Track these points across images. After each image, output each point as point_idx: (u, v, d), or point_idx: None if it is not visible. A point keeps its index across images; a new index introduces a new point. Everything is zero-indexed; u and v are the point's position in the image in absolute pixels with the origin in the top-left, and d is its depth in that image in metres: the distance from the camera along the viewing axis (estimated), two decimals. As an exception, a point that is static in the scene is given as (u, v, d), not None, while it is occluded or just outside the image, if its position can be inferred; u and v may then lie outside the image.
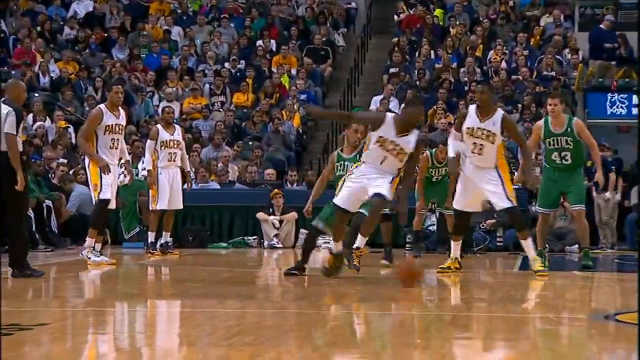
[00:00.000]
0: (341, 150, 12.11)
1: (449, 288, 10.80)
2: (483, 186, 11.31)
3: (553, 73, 21.60)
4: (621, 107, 20.84)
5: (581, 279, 12.10)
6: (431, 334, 7.18)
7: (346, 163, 11.77)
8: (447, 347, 6.53)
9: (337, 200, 10.49)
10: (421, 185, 14.76)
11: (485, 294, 10.08)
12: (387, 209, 12.46)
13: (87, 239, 12.60)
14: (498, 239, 16.58)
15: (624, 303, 9.45)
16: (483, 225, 16.53)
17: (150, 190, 14.87)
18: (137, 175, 16.67)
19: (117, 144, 12.63)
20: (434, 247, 16.24)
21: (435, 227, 16.51)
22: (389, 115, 10.58)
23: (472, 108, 11.38)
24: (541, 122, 12.42)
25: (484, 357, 6.28)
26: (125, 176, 13.63)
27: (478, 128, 11.17)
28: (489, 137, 11.18)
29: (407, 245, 16.08)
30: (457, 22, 23.74)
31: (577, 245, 16.48)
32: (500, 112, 11.35)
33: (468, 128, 11.25)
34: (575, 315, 8.41)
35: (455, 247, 11.83)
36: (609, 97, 20.94)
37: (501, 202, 11.25)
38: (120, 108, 12.82)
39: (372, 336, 7.07)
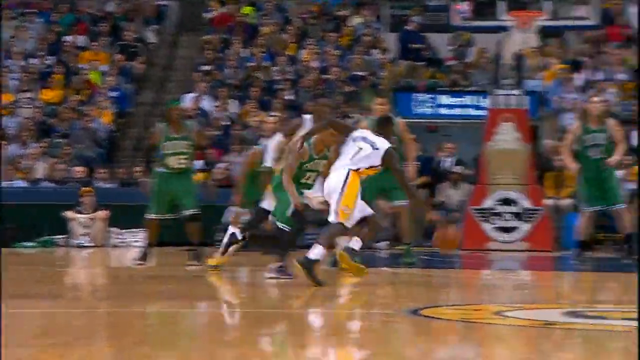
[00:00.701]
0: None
1: (263, 286, 10.84)
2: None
3: (363, 73, 21.94)
4: (428, 106, 21.34)
5: (390, 275, 12.34)
6: (242, 332, 7.18)
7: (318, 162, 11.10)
8: (257, 344, 6.55)
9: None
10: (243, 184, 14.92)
11: (299, 291, 10.15)
12: (195, 210, 12.45)
13: None
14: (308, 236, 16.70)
15: (431, 298, 9.69)
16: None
17: None
18: None
19: None
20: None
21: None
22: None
23: (308, 118, 11.65)
24: (365, 124, 12.50)
25: (296, 353, 6.32)
26: None
27: None
28: None
29: (217, 244, 16.05)
30: (269, 21, 23.86)
31: (386, 242, 16.82)
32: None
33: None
34: (384, 311, 8.56)
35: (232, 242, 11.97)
36: (416, 97, 21.40)
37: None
38: None
39: (182, 334, 7.03)
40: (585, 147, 13.90)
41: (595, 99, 14.49)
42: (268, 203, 11.62)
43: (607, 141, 13.85)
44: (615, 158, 13.86)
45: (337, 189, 9.98)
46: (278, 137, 11.79)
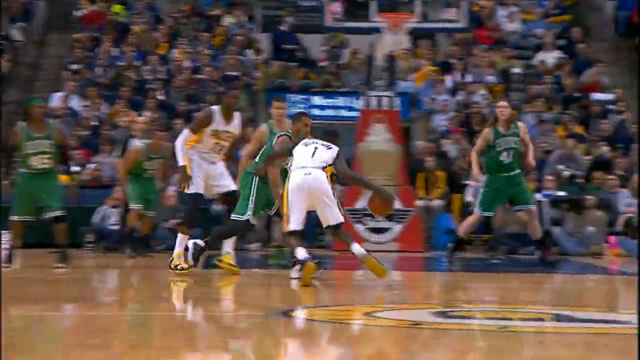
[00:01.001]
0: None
1: (132, 288, 10.69)
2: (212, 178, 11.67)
3: (236, 73, 21.84)
4: (301, 107, 21.35)
5: (262, 277, 12.30)
6: (109, 335, 7.04)
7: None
8: (123, 348, 6.43)
9: None
10: (127, 181, 14.79)
11: (169, 293, 10.03)
12: (60, 211, 12.18)
13: None
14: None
15: (302, 299, 9.67)
16: (167, 224, 16.40)
17: None
18: None
19: None
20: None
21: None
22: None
23: (216, 109, 11.59)
24: (265, 128, 12.31)
25: (164, 356, 6.21)
26: None
27: (223, 130, 11.55)
28: (230, 139, 11.72)
29: (85, 246, 15.82)
30: (140, 20, 23.58)
31: (258, 244, 16.79)
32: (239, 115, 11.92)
33: (213, 130, 11.53)
34: (255, 312, 8.50)
35: (184, 240, 11.63)
36: (289, 98, 21.40)
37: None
38: None
39: (48, 337, 6.86)
40: (498, 152, 13.89)
41: (502, 103, 14.48)
42: (195, 187, 11.50)
43: (518, 145, 13.90)
44: (531, 160, 13.94)
45: (327, 192, 10.40)
46: (185, 132, 11.65)
